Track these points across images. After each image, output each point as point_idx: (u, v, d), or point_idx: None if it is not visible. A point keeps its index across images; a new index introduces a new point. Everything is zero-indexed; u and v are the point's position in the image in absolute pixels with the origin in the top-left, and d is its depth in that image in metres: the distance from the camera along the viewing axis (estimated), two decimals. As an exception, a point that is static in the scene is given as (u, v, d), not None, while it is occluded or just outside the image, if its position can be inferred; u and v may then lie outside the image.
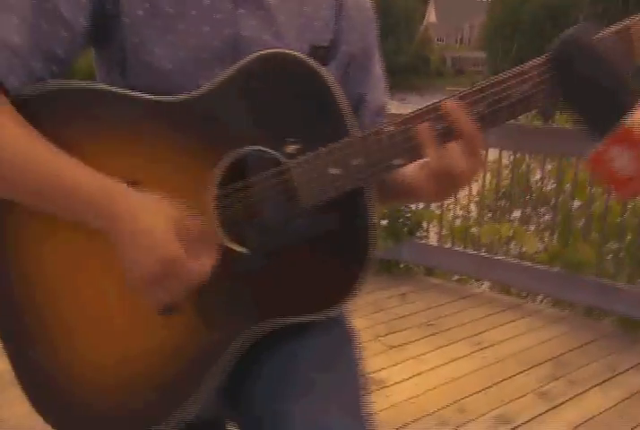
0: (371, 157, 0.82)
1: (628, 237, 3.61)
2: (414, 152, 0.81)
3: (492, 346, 2.98)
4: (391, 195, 0.99)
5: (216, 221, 0.84)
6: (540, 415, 2.40)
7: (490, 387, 2.58)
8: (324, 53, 0.93)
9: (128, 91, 0.83)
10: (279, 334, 0.88)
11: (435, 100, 0.81)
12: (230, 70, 0.83)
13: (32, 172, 0.77)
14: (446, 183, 0.82)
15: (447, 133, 0.80)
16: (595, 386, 2.62)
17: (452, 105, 0.79)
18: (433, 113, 0.80)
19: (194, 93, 0.83)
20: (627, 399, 2.53)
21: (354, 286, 0.86)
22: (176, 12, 0.85)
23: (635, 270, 3.33)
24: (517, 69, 0.78)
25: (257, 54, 0.83)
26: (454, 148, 0.80)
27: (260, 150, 0.83)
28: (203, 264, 0.78)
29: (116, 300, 0.85)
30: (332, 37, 0.94)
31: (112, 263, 0.80)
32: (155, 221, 0.76)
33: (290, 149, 0.83)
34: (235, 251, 0.84)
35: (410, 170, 0.90)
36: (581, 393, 2.56)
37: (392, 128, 0.81)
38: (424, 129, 0.80)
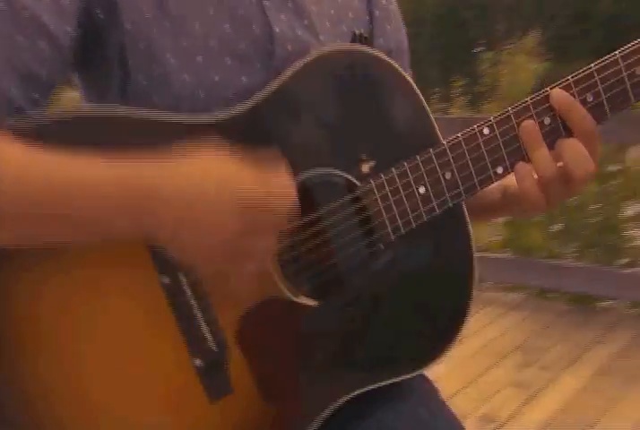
0: (466, 168, 0.68)
1: (572, 217, 3.75)
2: (519, 157, 0.68)
3: (460, 342, 3.02)
4: (478, 213, 0.80)
5: (276, 271, 0.66)
6: (521, 406, 2.46)
7: (467, 386, 2.62)
8: (366, 44, 0.76)
9: (153, 114, 0.64)
10: (362, 397, 0.73)
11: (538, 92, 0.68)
12: (282, 77, 0.67)
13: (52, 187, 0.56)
14: (558, 191, 0.68)
15: (557, 130, 0.67)
16: (566, 368, 2.71)
17: (561, 94, 0.66)
18: (538, 106, 0.67)
19: (235, 110, 0.66)
20: (597, 375, 2.63)
21: (458, 330, 0.71)
22: (189, 12, 0.68)
23: (581, 248, 3.46)
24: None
25: (318, 53, 0.67)
26: (569, 147, 0.67)
27: (328, 173, 0.67)
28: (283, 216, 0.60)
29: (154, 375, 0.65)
30: (368, 28, 0.80)
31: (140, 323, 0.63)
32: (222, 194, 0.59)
33: (365, 167, 0.68)
34: (304, 306, 0.67)
35: (507, 180, 0.74)
36: (554, 378, 2.64)
37: (487, 130, 0.68)
38: (530, 127, 0.67)
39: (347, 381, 0.71)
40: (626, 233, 3.41)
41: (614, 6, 35.35)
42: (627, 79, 0.66)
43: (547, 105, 0.67)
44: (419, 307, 0.72)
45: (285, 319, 0.67)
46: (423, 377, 0.85)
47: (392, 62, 0.69)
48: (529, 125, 0.67)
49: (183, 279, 0.65)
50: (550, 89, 0.67)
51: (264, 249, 0.61)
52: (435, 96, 7.25)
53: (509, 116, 0.68)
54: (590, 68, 0.67)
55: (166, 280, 0.64)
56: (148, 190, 0.57)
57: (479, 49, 7.53)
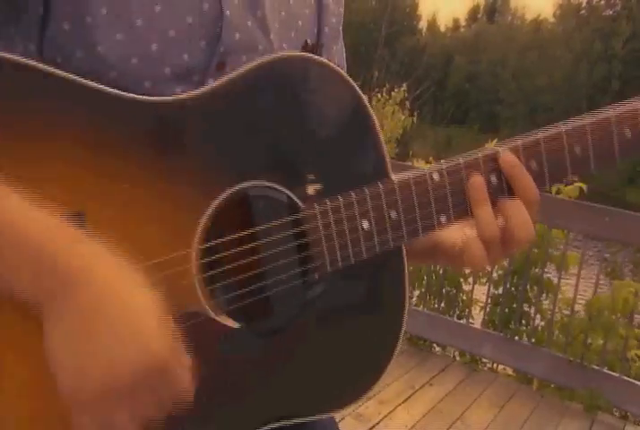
0: (412, 211, 0.66)
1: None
2: (463, 210, 0.67)
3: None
4: (415, 256, 0.76)
5: (199, 286, 0.60)
6: (360, 437, 2.57)
7: (312, 413, 2.68)
8: (313, 53, 0.71)
9: (79, 78, 0.56)
10: None
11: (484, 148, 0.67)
12: (236, 73, 0.61)
13: None
14: (496, 250, 0.67)
15: (501, 189, 0.67)
16: (400, 404, 2.88)
17: (510, 158, 0.66)
18: (487, 163, 0.66)
19: (181, 97, 0.59)
20: (426, 415, 2.84)
21: (381, 372, 0.68)
22: None
23: (423, 295, 3.73)
24: (591, 116, 0.67)
25: (276, 56, 0.62)
26: (516, 210, 0.66)
27: (269, 187, 0.62)
28: (187, 372, 0.53)
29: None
30: (315, 42, 0.75)
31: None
32: (135, 292, 0.50)
33: (310, 189, 0.63)
34: (225, 327, 0.62)
35: (449, 231, 0.72)
36: (389, 413, 2.80)
37: (437, 176, 0.66)
38: (478, 184, 0.66)
39: (258, 413, 0.65)
40: (464, 286, 3.76)
41: (463, 84, 39.34)
42: (567, 153, 0.68)
43: (496, 163, 0.67)
44: (343, 344, 0.67)
45: (202, 337, 0.60)
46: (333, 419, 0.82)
47: (352, 82, 0.65)
48: (477, 182, 0.66)
49: None
50: (501, 149, 0.67)
51: (138, 417, 0.51)
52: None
53: (460, 166, 0.66)
54: (537, 135, 0.67)
55: None
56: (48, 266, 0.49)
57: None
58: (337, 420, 3.09)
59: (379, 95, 6.77)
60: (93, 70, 0.59)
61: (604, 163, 0.69)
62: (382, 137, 0.67)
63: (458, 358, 3.53)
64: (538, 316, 3.48)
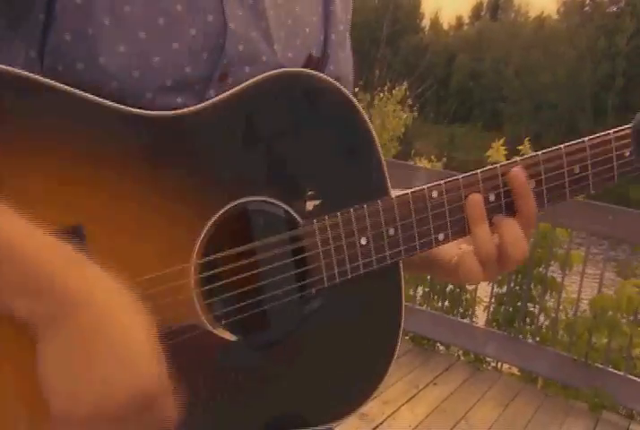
0: (410, 228, 0.66)
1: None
2: (461, 228, 0.68)
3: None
4: (412, 268, 0.77)
5: (197, 300, 0.61)
6: (364, 437, 2.57)
7: (316, 413, 2.68)
8: (318, 66, 0.71)
9: (79, 91, 0.56)
10: None
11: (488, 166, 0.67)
12: (236, 89, 0.61)
13: None
14: (492, 268, 0.68)
15: (498, 209, 0.68)
16: (404, 404, 2.88)
17: (522, 176, 0.67)
18: (486, 181, 0.67)
19: (181, 111, 0.59)
20: (430, 414, 2.84)
21: (378, 381, 0.68)
22: None
23: (427, 295, 3.73)
24: (593, 139, 0.69)
25: (277, 72, 0.62)
26: (511, 229, 0.67)
27: (269, 202, 0.62)
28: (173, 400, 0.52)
29: None
30: (321, 50, 0.74)
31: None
32: (134, 316, 0.50)
33: (310, 205, 0.64)
34: (222, 339, 0.62)
35: (446, 246, 0.73)
36: (393, 412, 2.80)
37: (435, 194, 0.67)
38: (477, 202, 0.66)
39: (255, 426, 0.66)
40: (468, 285, 3.75)
41: (466, 82, 39.22)
42: (566, 174, 0.69)
43: (495, 182, 0.67)
44: (341, 356, 0.68)
45: (199, 349, 0.61)
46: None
47: (352, 97, 0.65)
48: (475, 199, 0.67)
49: None
50: (500, 166, 0.68)
51: None
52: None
53: (459, 184, 0.67)
54: (537, 156, 0.69)
55: None
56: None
57: (356, 89, 7.92)
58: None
59: (381, 94, 6.79)
60: (94, 80, 0.58)
61: (603, 184, 0.71)
62: (382, 155, 0.68)
63: (462, 358, 3.53)
64: (542, 315, 3.47)
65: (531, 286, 3.48)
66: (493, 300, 3.57)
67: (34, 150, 0.55)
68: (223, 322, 0.63)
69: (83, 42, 0.58)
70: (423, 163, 4.63)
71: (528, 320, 3.54)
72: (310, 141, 0.64)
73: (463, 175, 0.68)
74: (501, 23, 42.58)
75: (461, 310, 3.71)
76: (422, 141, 24.62)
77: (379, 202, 0.66)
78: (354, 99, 0.66)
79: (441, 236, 0.68)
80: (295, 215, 0.64)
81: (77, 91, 0.56)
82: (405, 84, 7.22)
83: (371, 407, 2.80)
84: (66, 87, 0.55)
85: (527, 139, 3.93)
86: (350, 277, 0.66)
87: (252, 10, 0.65)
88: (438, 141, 28.80)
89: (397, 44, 36.99)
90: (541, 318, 3.49)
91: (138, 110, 0.58)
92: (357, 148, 0.66)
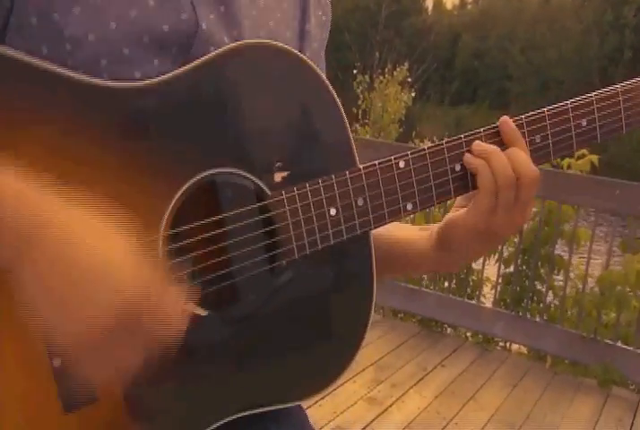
0: (378, 198, 0.67)
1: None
2: (429, 197, 0.69)
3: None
4: (393, 265, 0.79)
5: (166, 273, 0.60)
6: (372, 421, 2.57)
7: (324, 398, 2.69)
8: None
9: (45, 63, 0.55)
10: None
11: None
12: (200, 60, 0.61)
13: None
14: (507, 196, 0.68)
15: (464, 179, 0.70)
16: (412, 387, 2.88)
17: (510, 125, 0.70)
18: (453, 151, 0.69)
19: (148, 82, 0.59)
20: (438, 396, 2.84)
21: (349, 360, 0.69)
22: None
23: (434, 276, 3.72)
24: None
25: (241, 43, 0.62)
26: (516, 153, 0.68)
27: (237, 174, 0.62)
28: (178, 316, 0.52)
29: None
30: (298, 41, 0.75)
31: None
32: (112, 244, 0.49)
33: (277, 176, 0.64)
34: (193, 314, 0.61)
35: (422, 232, 0.75)
36: (402, 395, 2.80)
37: (402, 164, 0.68)
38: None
39: (229, 400, 0.65)
40: (474, 266, 3.73)
41: (471, 61, 38.70)
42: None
43: (460, 151, 0.69)
44: (312, 332, 0.68)
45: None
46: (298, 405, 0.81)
47: (317, 69, 0.66)
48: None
49: None
50: (465, 136, 0.70)
51: (126, 363, 0.51)
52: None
53: (424, 154, 0.69)
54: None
55: None
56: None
57: (355, 72, 7.83)
58: (350, 405, 3.10)
59: (381, 77, 6.72)
60: (61, 54, 0.58)
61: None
62: (348, 126, 0.68)
63: (470, 339, 3.52)
64: (550, 293, 3.45)
65: (538, 264, 3.45)
66: (500, 280, 3.55)
67: (4, 123, 0.54)
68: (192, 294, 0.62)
69: (50, 27, 0.58)
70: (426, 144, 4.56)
71: (535, 299, 3.52)
72: (277, 114, 0.64)
73: (429, 146, 0.70)
74: (506, 1, 41.93)
75: (468, 291, 3.70)
76: (427, 123, 24.44)
77: (347, 172, 0.66)
78: (318, 70, 0.66)
79: (409, 206, 0.69)
80: (264, 187, 0.63)
81: (42, 63, 0.55)
82: (406, 65, 7.13)
83: (379, 390, 2.81)
84: (32, 58, 0.55)
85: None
86: (320, 247, 0.66)
87: (225, 17, 0.66)
88: (444, 123, 28.58)
89: (400, 26, 36.57)
90: (549, 296, 3.46)
91: (104, 82, 0.58)
92: (324, 120, 0.67)
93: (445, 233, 0.75)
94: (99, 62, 0.59)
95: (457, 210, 0.74)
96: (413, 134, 5.81)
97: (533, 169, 0.68)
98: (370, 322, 0.70)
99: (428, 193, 0.69)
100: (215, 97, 0.62)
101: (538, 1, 40.11)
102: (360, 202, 0.67)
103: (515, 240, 3.41)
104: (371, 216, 0.68)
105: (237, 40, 0.65)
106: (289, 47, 0.65)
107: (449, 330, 3.62)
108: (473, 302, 3.57)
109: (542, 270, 3.48)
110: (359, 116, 5.88)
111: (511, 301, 3.49)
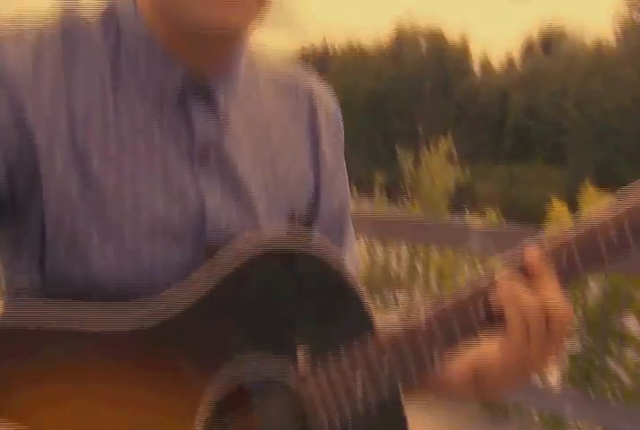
0: (407, 365, 0.67)
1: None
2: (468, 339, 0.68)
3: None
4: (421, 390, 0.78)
5: None
6: None
7: None
8: (304, 221, 0.76)
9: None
10: None
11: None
12: (220, 273, 0.65)
13: None
14: (539, 330, 0.66)
15: (490, 321, 0.67)
16: None
17: (536, 255, 0.66)
18: (477, 301, 0.67)
19: (165, 310, 0.63)
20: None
21: None
22: (116, 186, 0.64)
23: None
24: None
25: (260, 251, 0.65)
26: (550, 285, 0.66)
27: (261, 360, 0.65)
28: None
29: None
30: (312, 196, 0.77)
31: None
32: None
33: (301, 354, 0.66)
34: None
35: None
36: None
37: (425, 327, 0.67)
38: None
39: None
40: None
41: (524, 118, 38.43)
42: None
43: (483, 298, 0.68)
44: None
45: None
46: None
47: (339, 265, 0.68)
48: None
49: None
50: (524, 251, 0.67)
51: None
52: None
53: (448, 314, 0.68)
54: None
55: None
56: None
57: (400, 147, 7.78)
58: None
59: (427, 151, 6.69)
60: (92, 286, 0.64)
61: None
62: (363, 294, 0.70)
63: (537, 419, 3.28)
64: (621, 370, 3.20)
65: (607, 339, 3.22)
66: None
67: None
68: None
69: (78, 257, 0.64)
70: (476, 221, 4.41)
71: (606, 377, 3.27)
72: (297, 308, 0.68)
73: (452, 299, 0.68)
74: (556, 57, 41.70)
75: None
76: (481, 184, 24.16)
77: (370, 339, 0.67)
78: (339, 262, 0.69)
79: (438, 366, 0.68)
80: (288, 377, 0.66)
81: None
82: (449, 135, 7.11)
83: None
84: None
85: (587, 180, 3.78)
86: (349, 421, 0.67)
87: (231, 192, 0.69)
88: (499, 182, 28.17)
89: (448, 90, 37.11)
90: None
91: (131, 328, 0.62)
92: (344, 312, 0.69)
93: (480, 370, 0.73)
94: (124, 274, 0.65)
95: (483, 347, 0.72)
96: (465, 208, 5.63)
97: (565, 308, 0.66)
98: None
99: (452, 346, 0.68)
100: (236, 304, 0.65)
101: (590, 53, 39.73)
102: (385, 374, 0.67)
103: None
104: (400, 383, 0.68)
105: (245, 210, 0.70)
106: (305, 248, 0.67)
107: (513, 412, 3.39)
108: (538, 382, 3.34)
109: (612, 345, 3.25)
110: (407, 192, 5.83)
111: (580, 379, 3.25)
